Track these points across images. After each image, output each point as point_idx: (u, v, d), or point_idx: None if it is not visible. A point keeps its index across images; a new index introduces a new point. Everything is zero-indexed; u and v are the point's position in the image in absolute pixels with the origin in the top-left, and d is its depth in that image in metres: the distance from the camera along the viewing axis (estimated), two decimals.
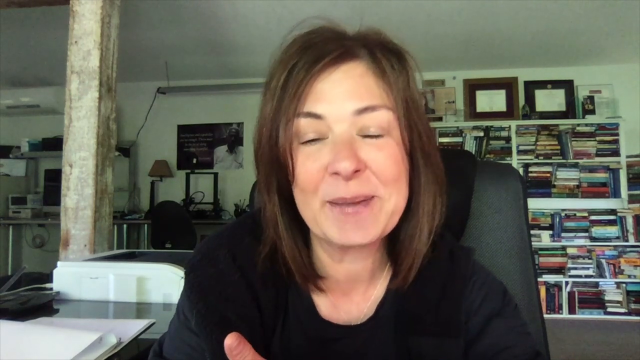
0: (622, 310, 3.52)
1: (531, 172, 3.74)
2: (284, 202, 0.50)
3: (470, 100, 4.16)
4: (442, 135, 3.88)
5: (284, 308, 0.53)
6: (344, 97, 0.45)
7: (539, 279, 3.49)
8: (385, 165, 0.46)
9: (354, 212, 0.45)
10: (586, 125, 3.74)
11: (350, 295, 0.55)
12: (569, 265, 3.59)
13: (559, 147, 3.73)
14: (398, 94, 0.47)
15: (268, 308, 0.51)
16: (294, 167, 0.47)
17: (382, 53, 0.48)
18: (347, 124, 0.45)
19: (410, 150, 0.48)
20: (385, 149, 0.46)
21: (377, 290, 0.55)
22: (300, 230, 0.52)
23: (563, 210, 3.66)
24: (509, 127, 3.80)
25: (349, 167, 0.43)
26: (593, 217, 3.62)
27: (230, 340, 0.35)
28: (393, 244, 0.53)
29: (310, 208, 0.47)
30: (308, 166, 0.46)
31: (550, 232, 3.64)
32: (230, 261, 0.52)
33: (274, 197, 0.50)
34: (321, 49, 0.46)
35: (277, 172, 0.48)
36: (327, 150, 0.45)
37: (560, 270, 3.60)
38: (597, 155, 3.67)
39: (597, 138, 3.69)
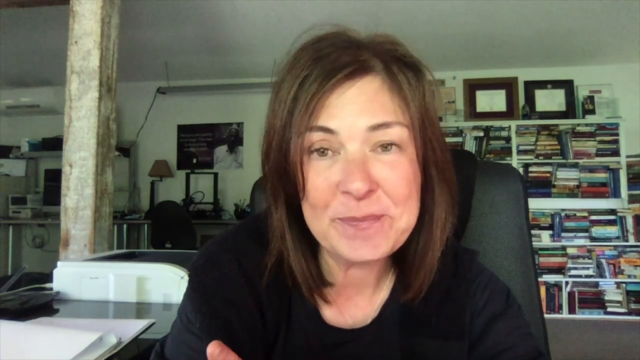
0: (622, 310, 3.52)
1: (531, 172, 3.74)
2: (292, 213, 0.49)
3: (470, 100, 4.16)
4: None
5: (287, 313, 0.53)
6: (357, 114, 0.44)
7: (539, 279, 3.49)
8: (398, 185, 0.45)
9: (364, 227, 0.45)
10: (586, 125, 3.74)
11: (356, 301, 0.54)
12: (569, 265, 3.59)
13: (559, 147, 3.73)
14: (414, 110, 0.46)
15: (271, 314, 0.51)
16: (305, 183, 0.46)
17: (399, 67, 0.47)
18: (359, 141, 0.44)
19: (424, 164, 0.48)
20: (399, 168, 0.45)
21: (383, 293, 0.55)
22: (307, 239, 0.51)
23: (563, 210, 3.66)
24: (509, 127, 3.81)
25: (362, 188, 0.42)
26: (593, 217, 3.62)
27: (212, 349, 0.35)
28: (400, 250, 0.52)
29: (320, 224, 0.47)
30: (319, 183, 0.45)
31: (550, 232, 3.65)
32: (235, 266, 0.51)
33: (281, 209, 0.49)
34: (334, 61, 0.45)
35: (285, 184, 0.47)
36: (338, 167, 0.44)
37: (560, 270, 3.60)
38: (597, 155, 3.68)
39: (597, 138, 3.69)
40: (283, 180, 0.47)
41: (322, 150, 0.45)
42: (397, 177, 0.45)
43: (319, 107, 0.44)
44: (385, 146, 0.45)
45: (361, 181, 0.42)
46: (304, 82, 0.45)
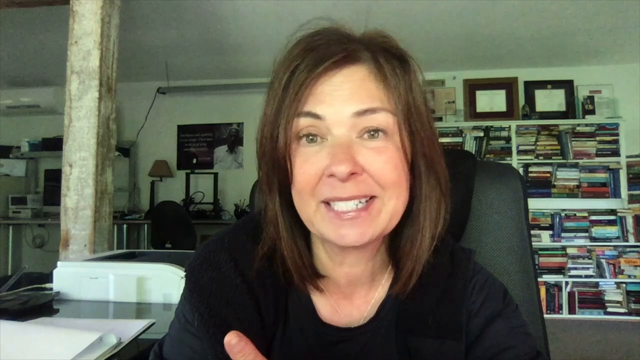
0: (622, 310, 3.52)
1: (531, 172, 3.74)
2: (285, 202, 0.50)
3: (470, 100, 4.16)
4: (442, 135, 3.88)
5: (284, 312, 0.53)
6: (343, 100, 0.45)
7: (539, 279, 3.49)
8: (384, 169, 0.46)
9: (352, 217, 0.46)
10: (586, 125, 3.73)
11: (351, 299, 0.55)
12: (569, 265, 3.59)
13: (559, 147, 3.73)
14: (399, 98, 0.47)
15: (268, 313, 0.51)
16: (292, 169, 0.47)
17: (385, 57, 0.48)
18: (346, 127, 0.45)
19: (412, 155, 0.48)
20: (385, 153, 0.46)
21: (379, 292, 0.55)
22: (302, 231, 0.52)
23: (563, 210, 3.66)
24: (509, 127, 3.80)
25: (345, 169, 0.43)
26: (593, 217, 3.62)
27: (230, 338, 0.35)
28: (396, 247, 0.53)
29: (307, 209, 0.48)
30: (306, 169, 0.46)
31: (550, 232, 3.64)
32: (232, 265, 0.51)
33: (275, 197, 0.50)
34: (324, 51, 0.46)
35: (277, 172, 0.48)
36: (325, 153, 0.46)
37: (560, 270, 3.60)
38: (597, 155, 3.67)
39: (597, 138, 3.69)
40: (275, 169, 0.48)
41: (310, 136, 0.46)
42: (383, 162, 0.46)
43: (307, 93, 0.46)
44: (372, 133, 0.46)
45: (344, 163, 0.43)
46: (295, 71, 0.46)
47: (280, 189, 0.49)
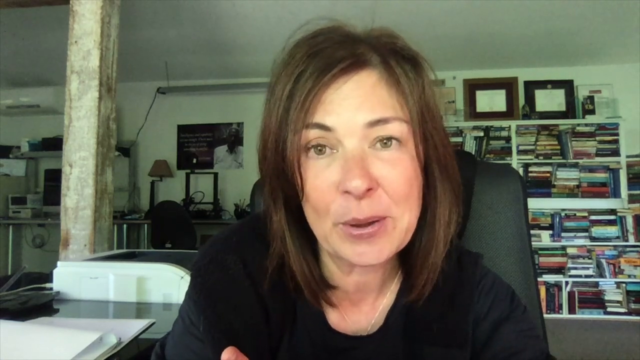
0: (622, 310, 3.52)
1: (531, 172, 3.74)
2: (291, 214, 0.48)
3: (470, 100, 4.16)
4: None
5: (292, 318, 0.52)
6: (354, 109, 0.42)
7: (539, 279, 3.49)
8: (398, 183, 0.43)
9: (368, 234, 0.43)
10: (586, 125, 3.74)
11: (359, 306, 0.53)
12: (569, 265, 3.59)
13: (559, 147, 3.73)
14: (413, 105, 0.44)
15: (276, 318, 0.50)
16: (304, 184, 0.44)
17: (396, 60, 0.45)
18: (357, 138, 0.43)
19: (426, 161, 0.46)
20: (399, 165, 0.44)
21: (387, 299, 0.54)
22: (308, 241, 0.50)
23: (563, 210, 3.66)
24: (509, 127, 3.80)
25: (361, 186, 0.41)
26: (593, 217, 3.62)
27: (227, 356, 0.34)
28: (405, 253, 0.51)
29: (322, 227, 0.45)
30: (318, 184, 0.44)
31: (550, 232, 3.64)
32: (240, 267, 0.50)
33: (280, 211, 0.48)
34: (330, 56, 0.43)
35: (283, 185, 0.46)
36: (337, 165, 0.43)
37: (560, 270, 3.60)
38: (597, 155, 3.68)
39: (597, 138, 3.69)
40: (281, 181, 0.45)
41: (319, 147, 0.44)
42: (397, 176, 0.43)
43: (314, 103, 0.42)
44: (385, 142, 0.43)
45: (360, 178, 0.41)
46: (299, 78, 0.43)
47: (286, 201, 0.47)
